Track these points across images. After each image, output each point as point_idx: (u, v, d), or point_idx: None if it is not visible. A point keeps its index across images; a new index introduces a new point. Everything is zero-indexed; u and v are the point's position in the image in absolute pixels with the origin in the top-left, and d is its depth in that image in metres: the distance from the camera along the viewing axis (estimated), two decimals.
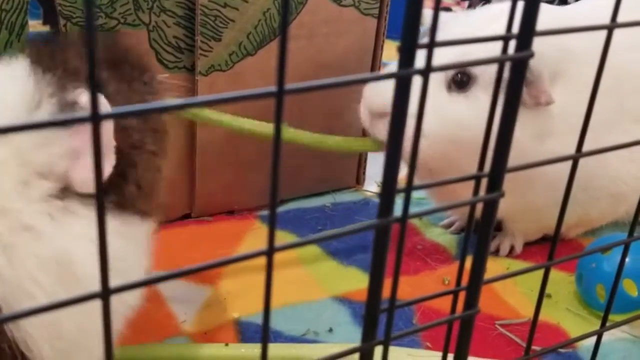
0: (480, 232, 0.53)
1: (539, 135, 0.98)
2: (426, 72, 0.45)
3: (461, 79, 0.97)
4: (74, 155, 0.58)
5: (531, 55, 0.50)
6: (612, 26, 0.59)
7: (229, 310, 0.96)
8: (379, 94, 0.96)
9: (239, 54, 1.07)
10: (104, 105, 0.58)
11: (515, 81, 0.51)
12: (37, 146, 0.58)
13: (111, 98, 0.62)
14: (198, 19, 1.01)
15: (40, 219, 0.57)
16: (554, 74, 0.97)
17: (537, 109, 0.96)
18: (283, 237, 1.15)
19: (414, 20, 0.44)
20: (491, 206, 0.53)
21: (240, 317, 0.95)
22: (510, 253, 1.13)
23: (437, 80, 0.96)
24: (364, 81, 0.45)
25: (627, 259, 0.93)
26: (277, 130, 0.41)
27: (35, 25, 2.04)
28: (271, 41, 1.09)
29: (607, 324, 0.69)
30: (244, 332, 0.93)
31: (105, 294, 0.39)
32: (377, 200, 1.12)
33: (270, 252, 0.45)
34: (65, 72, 0.62)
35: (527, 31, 0.51)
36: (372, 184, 1.34)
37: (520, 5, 0.50)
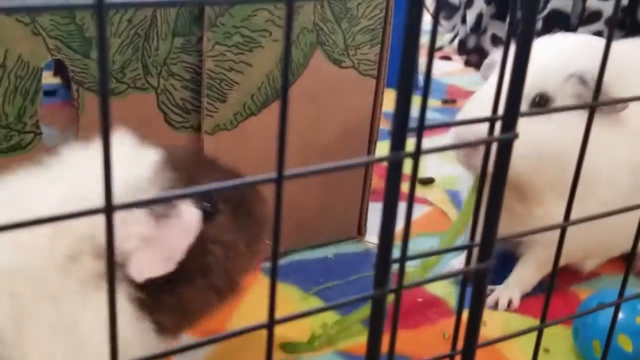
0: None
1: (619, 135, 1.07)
2: (416, 155, 0.48)
3: (539, 102, 1.04)
4: (144, 241, 0.60)
5: (515, 136, 0.54)
6: (594, 104, 0.63)
7: None
8: (469, 130, 1.01)
9: (243, 114, 1.11)
10: (194, 215, 0.62)
11: (501, 160, 0.54)
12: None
13: (219, 225, 0.67)
14: (204, 82, 1.05)
15: (70, 295, 0.59)
16: (619, 86, 1.04)
17: (613, 116, 1.06)
18: (286, 288, 1.17)
19: (405, 105, 0.47)
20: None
21: None
22: (509, 307, 1.15)
23: (524, 108, 1.03)
24: (358, 165, 0.48)
25: (621, 315, 0.96)
26: (278, 211, 0.44)
27: (47, 77, 2.10)
28: (274, 101, 1.13)
29: None
30: None
31: None
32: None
33: (270, 325, 0.48)
34: (185, 183, 0.66)
35: (512, 113, 0.55)
36: (373, 235, 1.37)
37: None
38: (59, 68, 2.02)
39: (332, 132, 1.19)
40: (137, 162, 0.66)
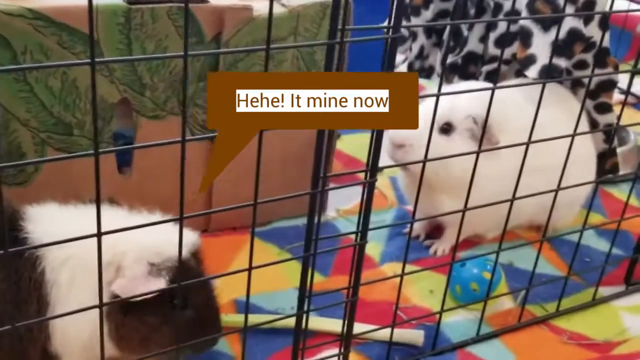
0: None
1: (493, 160, 1.50)
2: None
3: (445, 128, 1.53)
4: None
5: (375, 180, 1.07)
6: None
7: (232, 293, 1.41)
8: (400, 130, 1.42)
9: None
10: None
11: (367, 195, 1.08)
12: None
13: None
14: None
15: None
16: (499, 127, 1.52)
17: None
18: (268, 247, 1.67)
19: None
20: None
21: (237, 297, 1.45)
22: (442, 253, 1.74)
23: (435, 128, 1.39)
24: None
25: (475, 270, 1.53)
26: (259, 156, 0.97)
27: None
28: None
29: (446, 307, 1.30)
30: (239, 307, 1.43)
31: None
32: (334, 222, 1.78)
33: (249, 269, 0.99)
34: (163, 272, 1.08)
35: (374, 163, 1.07)
36: (332, 210, 1.91)
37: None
38: None
39: (304, 144, 1.71)
40: None
